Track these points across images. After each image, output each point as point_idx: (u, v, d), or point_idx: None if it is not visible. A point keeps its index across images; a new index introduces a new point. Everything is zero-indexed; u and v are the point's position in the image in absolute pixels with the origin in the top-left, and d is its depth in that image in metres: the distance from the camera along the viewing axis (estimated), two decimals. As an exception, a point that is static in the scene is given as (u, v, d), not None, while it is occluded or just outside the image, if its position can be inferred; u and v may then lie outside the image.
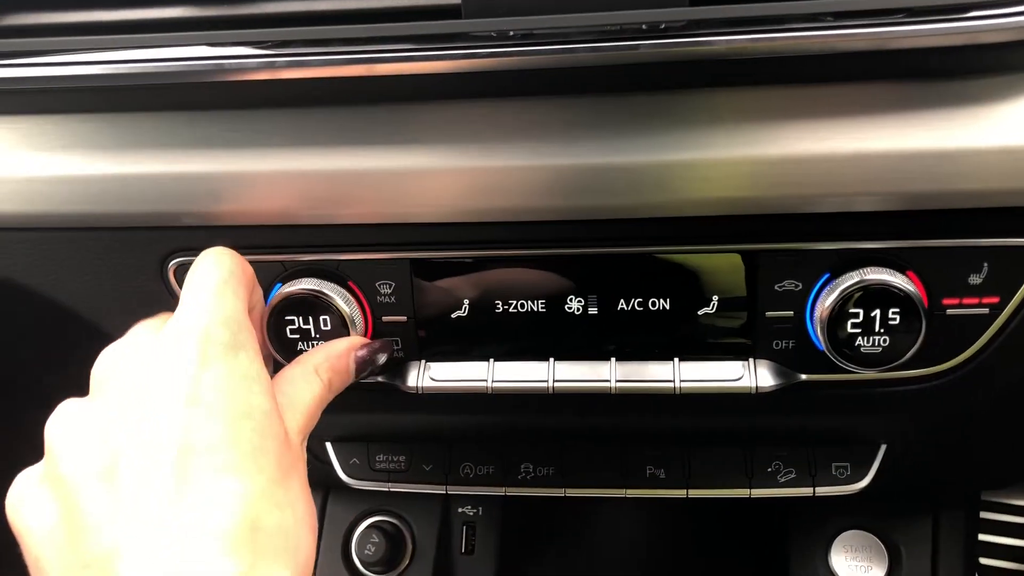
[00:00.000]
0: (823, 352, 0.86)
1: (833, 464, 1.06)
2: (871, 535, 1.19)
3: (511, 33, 0.77)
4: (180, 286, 0.92)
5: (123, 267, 0.93)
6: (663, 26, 0.76)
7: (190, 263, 0.90)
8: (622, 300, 0.90)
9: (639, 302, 0.90)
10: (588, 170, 0.82)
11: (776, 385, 0.90)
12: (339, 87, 0.81)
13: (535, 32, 0.77)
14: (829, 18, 0.75)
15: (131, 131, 0.87)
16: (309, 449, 1.13)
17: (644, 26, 0.76)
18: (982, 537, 1.69)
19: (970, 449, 1.10)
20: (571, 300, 0.91)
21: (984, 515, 1.68)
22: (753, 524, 1.27)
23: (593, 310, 0.91)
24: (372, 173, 0.84)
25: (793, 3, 0.75)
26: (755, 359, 0.91)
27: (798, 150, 0.80)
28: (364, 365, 0.87)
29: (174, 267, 0.92)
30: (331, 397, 0.84)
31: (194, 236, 0.90)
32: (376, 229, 0.89)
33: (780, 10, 0.75)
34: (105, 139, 0.87)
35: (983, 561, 1.71)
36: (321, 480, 1.18)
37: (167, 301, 0.94)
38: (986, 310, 0.86)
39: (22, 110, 0.89)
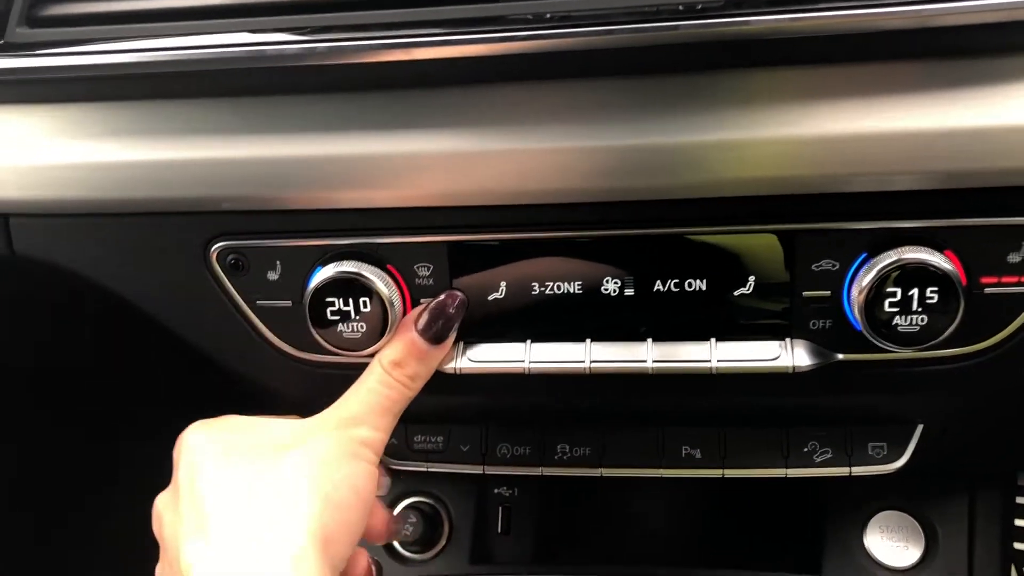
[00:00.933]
0: (860, 332, 0.86)
1: (869, 444, 1.05)
2: (907, 515, 1.19)
3: (548, 16, 0.78)
4: (222, 270, 0.95)
5: (166, 251, 0.95)
6: (700, 6, 0.76)
7: (232, 247, 0.93)
8: (658, 281, 0.91)
9: (675, 283, 0.91)
10: (624, 151, 0.82)
11: (813, 365, 0.90)
12: (378, 72, 0.82)
13: (572, 14, 0.78)
14: None
15: (172, 118, 0.89)
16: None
17: (681, 6, 0.76)
18: (1018, 522, 1.68)
19: (1007, 429, 1.10)
20: (607, 282, 0.92)
21: (1021, 500, 1.67)
22: (789, 504, 1.27)
23: (629, 291, 0.91)
24: (409, 156, 0.85)
25: (830, -19, 0.75)
26: (792, 339, 0.90)
27: (834, 129, 0.80)
28: (433, 326, 0.90)
29: (216, 251, 0.94)
30: (410, 391, 0.90)
31: (235, 220, 0.92)
32: (414, 212, 0.90)
33: (818, -11, 0.75)
34: (147, 126, 0.89)
35: (1017, 546, 1.71)
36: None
37: (209, 284, 0.95)
38: None
39: (66, 98, 0.91)
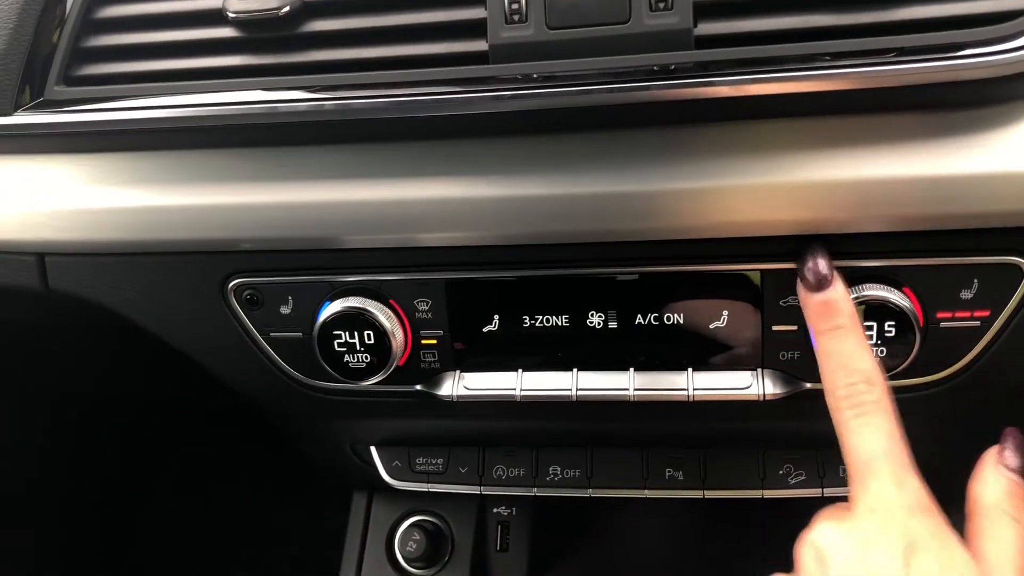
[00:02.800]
0: (826, 363, 0.93)
1: (840, 467, 1.11)
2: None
3: (535, 76, 0.85)
4: (239, 304, 1.02)
5: (187, 288, 1.02)
6: (673, 68, 0.83)
7: (248, 283, 1.00)
8: (639, 315, 0.98)
9: (655, 317, 0.97)
10: (607, 198, 0.89)
11: (782, 393, 0.97)
12: (380, 126, 0.89)
13: (556, 75, 0.85)
14: (827, 57, 0.82)
15: (194, 167, 0.96)
16: (355, 452, 1.22)
17: (656, 68, 0.83)
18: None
19: (968, 456, 1.15)
20: (592, 315, 0.99)
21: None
22: (768, 524, 1.33)
23: (613, 324, 0.98)
24: (410, 203, 0.91)
25: (792, 45, 0.82)
26: (762, 369, 0.97)
27: (801, 178, 0.86)
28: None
29: (233, 287, 1.01)
30: None
31: (251, 259, 1.00)
32: (414, 252, 0.97)
33: (780, 52, 0.82)
34: (172, 174, 0.96)
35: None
36: (366, 482, 1.26)
37: (227, 317, 1.03)
38: (977, 323, 0.92)
39: (98, 149, 0.98)
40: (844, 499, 1.11)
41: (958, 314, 0.92)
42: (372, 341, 0.98)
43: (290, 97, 0.89)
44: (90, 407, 1.36)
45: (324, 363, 1.00)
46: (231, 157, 0.95)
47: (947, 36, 0.80)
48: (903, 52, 0.81)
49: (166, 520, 1.59)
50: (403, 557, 1.34)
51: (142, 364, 1.24)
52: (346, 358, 0.99)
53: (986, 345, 0.93)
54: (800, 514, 1.27)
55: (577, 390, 0.99)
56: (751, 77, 0.82)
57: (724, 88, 0.82)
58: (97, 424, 1.39)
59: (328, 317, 0.98)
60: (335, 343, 0.98)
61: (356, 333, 0.98)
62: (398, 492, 1.25)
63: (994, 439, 1.10)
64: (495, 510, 1.37)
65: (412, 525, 1.35)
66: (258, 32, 0.91)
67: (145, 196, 0.97)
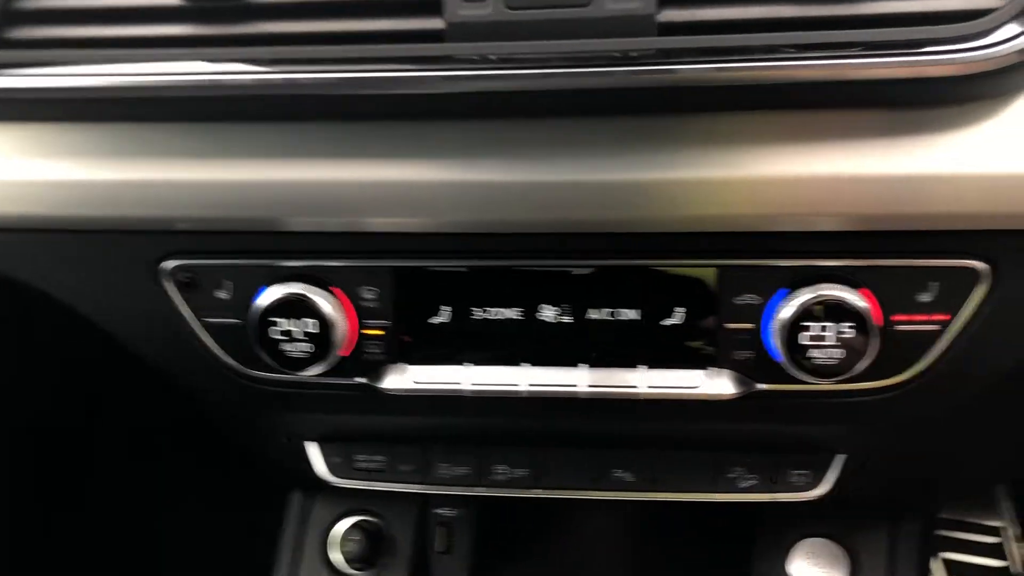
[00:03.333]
0: (779, 363, 0.91)
1: (793, 472, 1.10)
2: (831, 542, 1.23)
3: (492, 57, 0.83)
4: (173, 288, 0.97)
5: (120, 268, 0.98)
6: (634, 54, 0.81)
7: (183, 265, 0.96)
8: (593, 310, 0.95)
9: (609, 312, 0.95)
10: (562, 186, 0.87)
11: (735, 394, 0.95)
12: (328, 104, 0.86)
13: (515, 57, 0.82)
14: (791, 49, 0.80)
15: (129, 140, 0.92)
16: (292, 449, 1.18)
17: (617, 54, 0.81)
18: (945, 555, 1.74)
19: (924, 461, 1.15)
20: (545, 309, 0.96)
21: (944, 533, 1.73)
22: (719, 528, 1.32)
23: (566, 319, 0.96)
24: (356, 184, 0.88)
25: (756, 35, 0.81)
26: (716, 368, 0.95)
27: (760, 172, 0.85)
28: None
29: (168, 269, 0.97)
30: None
31: (188, 240, 0.96)
32: (360, 237, 0.94)
33: (743, 41, 0.80)
34: (105, 147, 0.92)
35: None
36: (304, 479, 1.22)
37: (160, 300, 0.98)
38: (935, 327, 0.91)
39: (26, 118, 0.93)
40: (801, 507, 1.11)
41: (915, 317, 0.91)
42: (313, 330, 0.94)
43: (234, 70, 0.85)
44: (5, 398, 1.30)
45: (261, 351, 0.95)
46: (169, 131, 0.91)
47: (912, 32, 0.79)
48: (867, 47, 0.80)
49: (87, 520, 1.53)
50: (341, 557, 1.30)
51: (67, 350, 1.19)
52: (285, 347, 0.95)
53: (944, 350, 0.92)
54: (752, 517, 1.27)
55: (527, 386, 0.97)
56: (713, 66, 0.80)
57: (685, 76, 0.80)
58: (13, 418, 1.33)
59: (267, 303, 0.94)
60: (274, 331, 0.94)
61: (296, 321, 0.94)
62: (337, 490, 1.21)
63: (954, 446, 1.10)
64: (438, 510, 1.34)
65: (351, 525, 1.31)
66: (203, 1, 0.87)
67: (75, 170, 0.92)
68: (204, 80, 0.85)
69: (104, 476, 1.55)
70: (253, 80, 0.85)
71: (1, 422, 1.31)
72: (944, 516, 1.76)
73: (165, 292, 0.98)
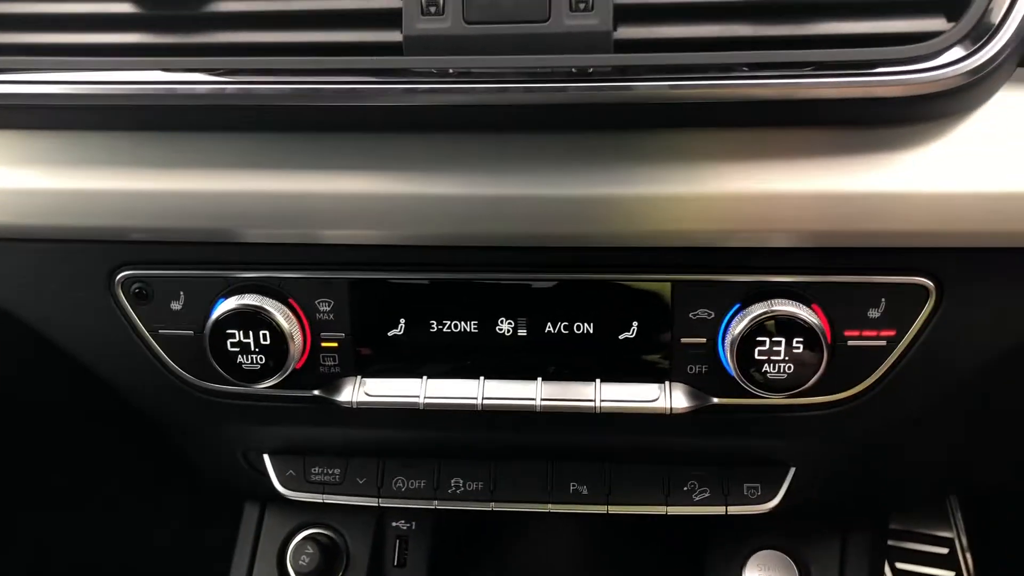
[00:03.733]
0: (733, 377, 0.92)
1: (745, 485, 1.11)
2: (783, 554, 1.25)
3: (450, 71, 0.83)
4: (126, 298, 0.96)
5: (71, 278, 0.97)
6: (591, 70, 0.82)
7: (136, 276, 0.95)
8: (549, 324, 0.95)
9: (565, 326, 0.95)
10: (519, 200, 0.87)
11: (690, 407, 0.96)
12: (284, 115, 0.85)
13: (472, 71, 0.82)
14: (744, 68, 0.81)
15: (83, 148, 0.91)
16: (246, 460, 1.17)
17: (573, 70, 0.82)
18: (897, 565, 1.77)
19: (874, 473, 1.17)
20: (502, 322, 0.96)
21: (896, 543, 1.76)
22: (674, 542, 1.33)
23: (523, 332, 0.96)
24: (312, 196, 0.88)
25: (711, 54, 0.81)
26: (671, 382, 0.96)
27: (715, 189, 0.86)
28: None
29: (121, 280, 0.96)
30: None
31: (141, 251, 0.95)
32: (317, 249, 0.93)
33: (699, 60, 0.81)
34: (57, 155, 0.91)
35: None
36: (258, 492, 1.21)
37: (113, 312, 0.97)
38: (884, 342, 0.92)
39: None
40: (753, 520, 1.12)
41: (865, 333, 0.92)
42: (268, 342, 0.93)
43: (190, 79, 0.85)
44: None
45: (215, 364, 0.94)
46: (123, 140, 0.90)
47: (864, 53, 0.81)
48: (819, 66, 0.81)
49: (31, 530, 1.50)
50: (295, 572, 1.28)
51: (14, 358, 1.17)
52: (239, 359, 0.94)
53: (892, 364, 0.93)
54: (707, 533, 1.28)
55: (483, 399, 0.97)
56: (668, 84, 0.81)
57: (641, 93, 0.81)
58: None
59: (221, 315, 0.93)
60: (228, 343, 0.93)
61: (251, 333, 0.93)
62: (292, 504, 1.20)
63: (903, 459, 1.11)
64: (394, 524, 1.33)
65: (306, 538, 1.30)
66: (159, 9, 0.86)
67: (27, 177, 0.91)
68: (159, 89, 0.84)
69: (43, 496, 1.52)
70: (208, 90, 0.84)
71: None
72: (895, 527, 1.79)
73: (119, 303, 0.97)
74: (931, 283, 0.90)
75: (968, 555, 1.85)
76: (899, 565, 1.84)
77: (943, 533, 1.88)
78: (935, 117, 0.85)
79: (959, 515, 1.89)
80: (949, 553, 1.86)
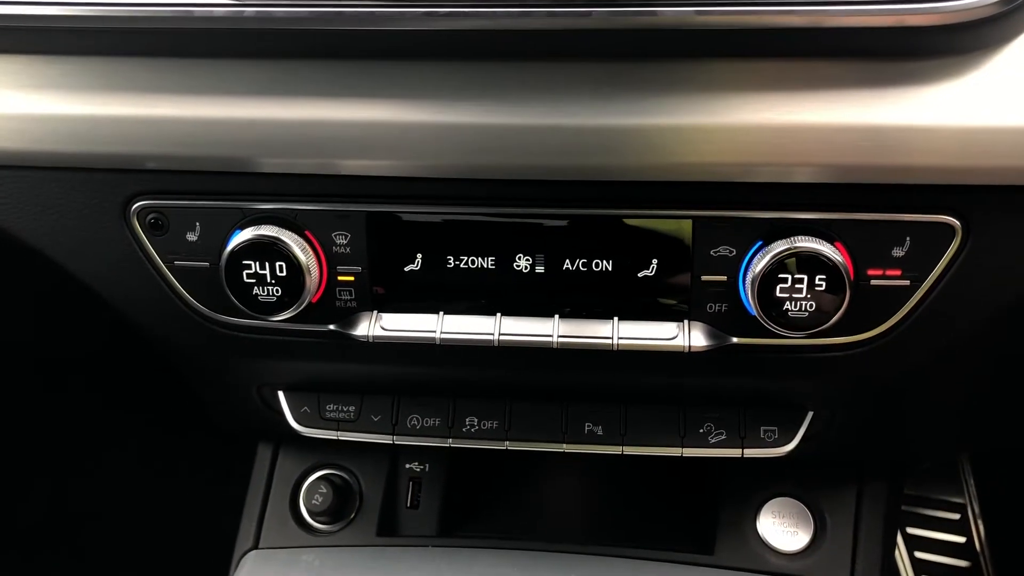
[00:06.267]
0: (753, 316, 0.91)
1: (761, 427, 1.10)
2: (798, 502, 1.24)
3: (471, -5, 0.81)
4: (141, 229, 0.95)
5: (87, 207, 0.96)
6: (616, -4, 0.80)
7: (152, 206, 0.94)
8: (567, 260, 0.94)
9: (583, 263, 0.94)
10: (538, 130, 0.86)
11: (708, 346, 0.95)
12: (302, 39, 0.84)
13: (494, -6, 0.81)
14: None
15: (99, 74, 0.90)
16: (261, 397, 1.17)
17: (596, -6, 0.80)
18: (909, 530, 1.77)
19: (892, 420, 1.16)
20: (520, 258, 0.95)
21: (908, 508, 1.76)
22: (689, 485, 1.32)
23: (540, 269, 0.95)
24: (330, 124, 0.87)
25: (737, -20, 0.80)
26: (690, 321, 0.95)
27: (738, 120, 0.84)
28: None
29: (136, 210, 0.95)
30: None
31: (157, 179, 0.94)
32: (334, 180, 0.92)
33: (726, -14, 0.80)
34: (73, 81, 0.90)
35: (918, 555, 1.79)
36: (273, 430, 1.21)
37: (128, 243, 0.96)
38: (907, 282, 0.91)
39: (-7, 49, 0.91)
40: (769, 465, 1.11)
41: (888, 272, 0.91)
42: (284, 274, 0.92)
43: (206, 1, 0.83)
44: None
45: (231, 295, 0.94)
46: (139, 66, 0.89)
47: (894, -20, 0.79)
48: (851, -6, 0.79)
49: (46, 477, 1.51)
50: (308, 510, 1.28)
51: (31, 292, 1.16)
52: (255, 291, 0.93)
53: (915, 305, 0.92)
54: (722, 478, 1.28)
55: (499, 335, 0.96)
56: (694, 10, 0.80)
57: (666, 19, 0.80)
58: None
59: (237, 245, 0.92)
60: (244, 274, 0.93)
61: (267, 264, 0.92)
62: (306, 445, 1.20)
63: (922, 404, 1.10)
64: (407, 465, 1.33)
65: (319, 478, 1.29)
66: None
67: (42, 102, 0.90)
68: (176, 11, 0.83)
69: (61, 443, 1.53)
70: (226, 12, 0.83)
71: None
72: (909, 492, 1.79)
73: (134, 234, 0.96)
74: (957, 222, 0.88)
75: (980, 521, 1.85)
76: (910, 530, 1.84)
77: (955, 499, 1.88)
78: (966, 50, 0.83)
79: (971, 481, 1.89)
80: (961, 519, 1.87)
